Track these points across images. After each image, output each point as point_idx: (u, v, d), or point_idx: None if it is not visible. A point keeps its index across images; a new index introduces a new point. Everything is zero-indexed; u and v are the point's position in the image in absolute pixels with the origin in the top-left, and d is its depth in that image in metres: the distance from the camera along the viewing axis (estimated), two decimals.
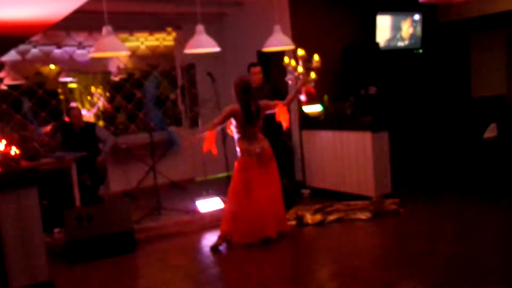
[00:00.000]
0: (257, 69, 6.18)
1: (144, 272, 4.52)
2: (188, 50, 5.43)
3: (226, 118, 4.90)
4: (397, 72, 7.58)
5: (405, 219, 5.32)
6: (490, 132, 6.14)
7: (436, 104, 7.82)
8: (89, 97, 7.31)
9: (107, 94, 7.59)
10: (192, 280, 4.18)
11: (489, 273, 3.77)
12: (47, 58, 7.09)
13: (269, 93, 5.85)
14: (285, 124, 5.02)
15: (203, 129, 5.10)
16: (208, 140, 4.77)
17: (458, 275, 3.76)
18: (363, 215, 5.41)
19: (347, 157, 6.25)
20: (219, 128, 4.97)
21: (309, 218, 5.43)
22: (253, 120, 4.88)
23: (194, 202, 5.89)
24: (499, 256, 4.21)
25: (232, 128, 4.99)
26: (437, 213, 5.45)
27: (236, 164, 4.98)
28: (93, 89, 7.42)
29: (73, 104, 7.05)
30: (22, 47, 6.79)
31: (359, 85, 6.98)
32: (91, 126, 6.46)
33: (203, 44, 5.37)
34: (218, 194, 6.04)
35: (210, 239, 5.26)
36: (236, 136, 4.99)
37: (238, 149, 4.98)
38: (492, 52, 8.40)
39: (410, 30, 7.68)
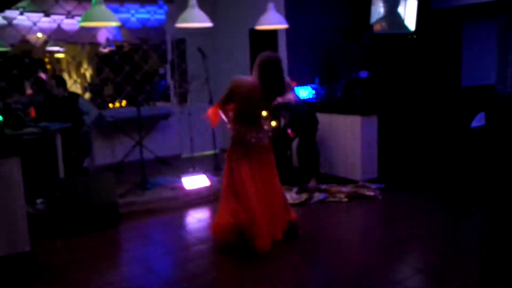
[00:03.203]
0: None
1: (126, 246, 4.49)
2: (180, 24, 5.32)
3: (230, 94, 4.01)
4: (389, 57, 7.54)
5: (389, 204, 5.35)
6: (478, 121, 6.18)
7: (426, 91, 7.82)
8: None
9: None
10: (174, 257, 4.17)
11: (472, 258, 3.82)
12: (34, 26, 6.93)
13: None
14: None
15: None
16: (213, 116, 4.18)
17: (442, 259, 3.80)
18: (346, 198, 5.43)
19: (336, 140, 6.24)
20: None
21: (291, 198, 5.42)
22: (267, 101, 4.14)
23: (179, 179, 5.86)
24: (483, 241, 4.26)
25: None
26: (421, 199, 5.49)
27: (226, 156, 4.18)
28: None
29: (42, 75, 6.90)
30: (8, 12, 6.62)
31: (351, 68, 6.94)
32: (74, 96, 6.31)
33: (195, 19, 5.26)
34: (204, 172, 6.02)
35: (194, 216, 5.25)
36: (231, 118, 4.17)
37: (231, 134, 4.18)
38: (483, 41, 8.39)
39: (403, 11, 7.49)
